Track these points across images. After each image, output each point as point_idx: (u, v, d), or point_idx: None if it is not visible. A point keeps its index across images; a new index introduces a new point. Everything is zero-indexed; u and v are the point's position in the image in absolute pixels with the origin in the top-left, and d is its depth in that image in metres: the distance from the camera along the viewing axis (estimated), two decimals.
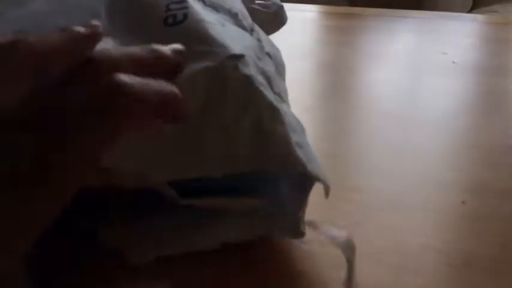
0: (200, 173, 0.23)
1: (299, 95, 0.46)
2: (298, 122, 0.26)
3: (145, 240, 0.24)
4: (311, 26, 0.75)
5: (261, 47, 0.29)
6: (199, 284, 0.23)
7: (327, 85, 0.49)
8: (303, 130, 0.26)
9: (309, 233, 0.24)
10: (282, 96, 0.27)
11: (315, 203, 0.29)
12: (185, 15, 0.25)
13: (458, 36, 0.67)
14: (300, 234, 0.24)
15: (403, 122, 0.40)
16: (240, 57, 0.24)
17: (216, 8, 0.28)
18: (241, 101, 0.23)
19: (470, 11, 1.58)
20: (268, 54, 0.30)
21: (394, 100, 0.45)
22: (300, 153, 0.23)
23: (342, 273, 0.22)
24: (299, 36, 0.69)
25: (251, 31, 0.29)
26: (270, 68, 0.28)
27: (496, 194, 0.30)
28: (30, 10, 0.25)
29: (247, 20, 0.30)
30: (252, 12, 0.35)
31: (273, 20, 0.37)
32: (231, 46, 0.24)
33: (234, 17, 0.29)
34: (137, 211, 0.25)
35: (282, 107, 0.25)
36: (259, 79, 0.24)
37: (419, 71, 0.53)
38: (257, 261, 0.24)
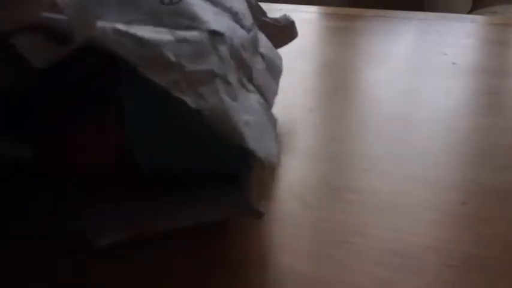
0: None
1: (300, 96, 0.46)
2: (266, 112, 0.27)
3: (113, 219, 0.25)
4: (312, 27, 0.75)
5: (254, 45, 0.30)
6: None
7: (328, 86, 0.49)
8: (271, 124, 0.27)
9: None
10: (261, 89, 0.28)
11: (316, 204, 0.29)
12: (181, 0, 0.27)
13: (459, 37, 0.67)
14: (257, 214, 0.25)
15: (403, 122, 0.40)
16: (220, 34, 0.25)
17: (214, 3, 0.29)
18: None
19: (470, 12, 1.58)
20: (261, 54, 0.30)
21: (394, 101, 0.45)
22: (245, 129, 0.24)
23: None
24: (300, 37, 0.69)
25: (248, 30, 0.30)
26: (257, 64, 0.29)
27: (497, 195, 0.30)
28: None
29: (247, 20, 0.31)
30: (263, 25, 0.36)
31: (283, 34, 0.38)
32: (215, 24, 0.26)
33: (233, 14, 0.30)
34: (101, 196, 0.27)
35: (243, 90, 0.26)
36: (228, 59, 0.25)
37: (419, 71, 0.53)
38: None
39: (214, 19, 0.27)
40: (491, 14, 1.39)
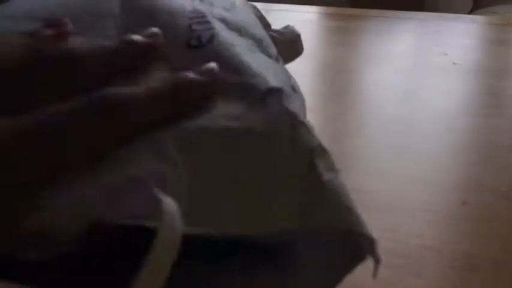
0: (238, 228, 0.18)
1: None
2: None
3: None
4: (312, 27, 0.75)
5: (289, 78, 0.25)
6: None
7: (328, 86, 0.49)
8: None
9: None
10: None
11: None
12: (212, 37, 0.22)
13: (459, 37, 0.67)
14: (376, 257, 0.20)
15: (404, 123, 0.40)
16: (280, 90, 0.20)
17: (240, 32, 0.24)
18: (289, 141, 0.19)
19: (470, 12, 1.58)
20: (293, 87, 0.25)
21: (394, 101, 0.45)
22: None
23: None
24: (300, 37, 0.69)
25: (276, 60, 0.25)
26: (297, 104, 0.23)
27: (497, 195, 0.30)
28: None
29: (272, 49, 0.26)
30: None
31: (289, 49, 0.33)
32: (269, 77, 0.21)
33: (259, 43, 0.25)
34: None
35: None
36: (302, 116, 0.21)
37: (420, 72, 0.53)
38: None
39: (262, 67, 0.22)
40: (491, 14, 1.39)
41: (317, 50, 0.63)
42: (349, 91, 0.47)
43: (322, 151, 0.20)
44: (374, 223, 0.27)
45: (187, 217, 0.17)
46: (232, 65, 0.21)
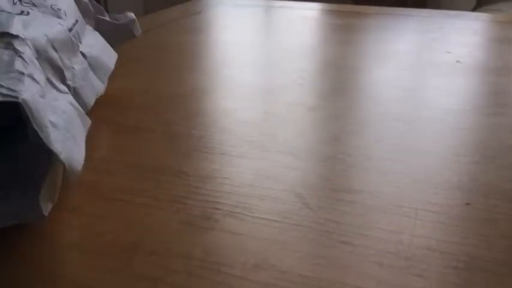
0: None
1: (301, 95, 0.46)
2: (78, 113, 0.28)
3: None
4: (314, 24, 0.75)
5: (73, 45, 0.31)
6: None
7: (330, 84, 0.49)
8: (82, 127, 0.28)
9: None
10: (77, 90, 0.30)
11: (317, 205, 0.28)
12: None
13: (462, 35, 0.67)
14: (41, 217, 0.24)
15: (406, 122, 0.39)
16: (16, 36, 0.26)
17: (34, 5, 0.30)
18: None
19: (473, 10, 1.57)
20: (82, 53, 0.32)
21: (397, 100, 0.44)
22: (51, 130, 0.24)
23: None
24: (302, 35, 0.68)
25: (68, 30, 0.31)
26: (76, 65, 0.30)
27: (501, 196, 0.29)
28: None
29: (69, 20, 0.32)
30: (99, 22, 0.38)
31: (121, 31, 0.39)
32: (14, 28, 0.26)
33: (56, 11, 0.31)
34: None
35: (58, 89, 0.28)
36: (32, 59, 0.26)
37: (423, 70, 0.52)
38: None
39: (22, 23, 0.27)
40: (494, 12, 1.39)
41: (318, 47, 0.62)
42: (351, 89, 0.47)
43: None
44: (376, 224, 0.27)
45: None
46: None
